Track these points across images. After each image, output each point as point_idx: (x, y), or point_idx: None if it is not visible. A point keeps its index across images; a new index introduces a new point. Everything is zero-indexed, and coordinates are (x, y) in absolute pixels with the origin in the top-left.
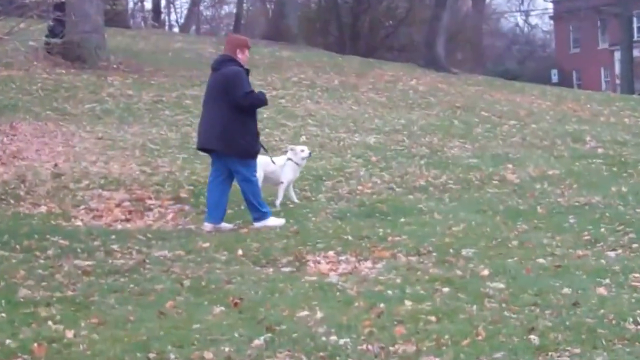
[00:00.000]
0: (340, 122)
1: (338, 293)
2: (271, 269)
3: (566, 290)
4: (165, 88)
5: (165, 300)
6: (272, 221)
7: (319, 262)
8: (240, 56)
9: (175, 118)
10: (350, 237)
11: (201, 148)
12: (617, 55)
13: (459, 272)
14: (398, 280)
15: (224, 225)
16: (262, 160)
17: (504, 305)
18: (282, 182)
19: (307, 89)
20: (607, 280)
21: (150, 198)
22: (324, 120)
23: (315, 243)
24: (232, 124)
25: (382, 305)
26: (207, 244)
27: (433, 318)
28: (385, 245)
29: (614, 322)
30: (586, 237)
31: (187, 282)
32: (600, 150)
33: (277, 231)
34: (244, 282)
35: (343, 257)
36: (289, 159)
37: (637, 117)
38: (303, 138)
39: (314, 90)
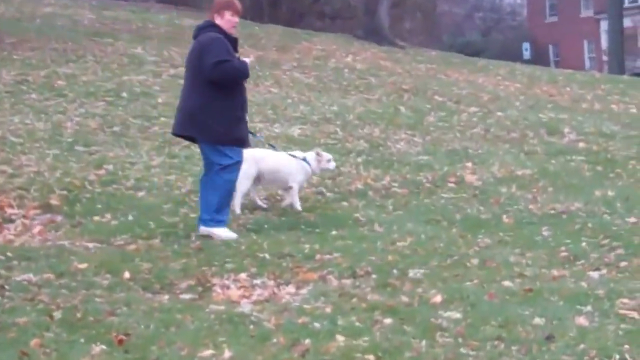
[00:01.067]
0: (256, 109)
1: (252, 326)
2: (167, 296)
3: (538, 320)
4: (31, 65)
5: (30, 336)
6: (223, 232)
7: (227, 287)
8: (219, 21)
9: (45, 104)
10: (267, 255)
11: (175, 134)
12: (604, 25)
13: (404, 299)
14: (328, 310)
15: (219, 232)
16: (257, 154)
17: (460, 339)
18: (290, 187)
19: None
20: (589, 308)
21: (10, 206)
22: None
23: (224, 263)
24: (207, 104)
25: (307, 341)
26: (84, 265)
27: (371, 357)
28: (312, 265)
29: (596, 359)
30: (563, 254)
31: (57, 314)
32: (581, 145)
33: (175, 248)
34: (132, 313)
35: (258, 281)
36: (305, 160)
37: (627, 103)
38: None
39: None
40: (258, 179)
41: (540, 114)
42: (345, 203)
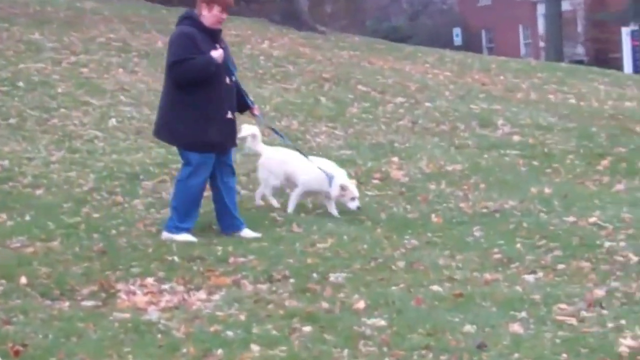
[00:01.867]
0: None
1: (159, 335)
2: (67, 304)
3: (469, 327)
4: None
5: None
6: (182, 237)
7: (133, 293)
8: (204, 13)
9: None
10: (177, 258)
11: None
12: (541, 9)
13: (325, 305)
14: (242, 317)
15: (246, 232)
16: (284, 156)
17: (385, 349)
18: (297, 187)
19: (118, 53)
20: (524, 314)
21: None
22: (141, 97)
23: (129, 267)
24: (173, 104)
25: (219, 351)
26: None
27: None
28: (225, 268)
29: None
30: (496, 256)
31: None
32: (516, 138)
33: (76, 251)
34: (29, 321)
35: (167, 286)
36: (330, 179)
37: (565, 93)
38: (113, 121)
39: (128, 56)
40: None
41: (471, 104)
42: (261, 202)
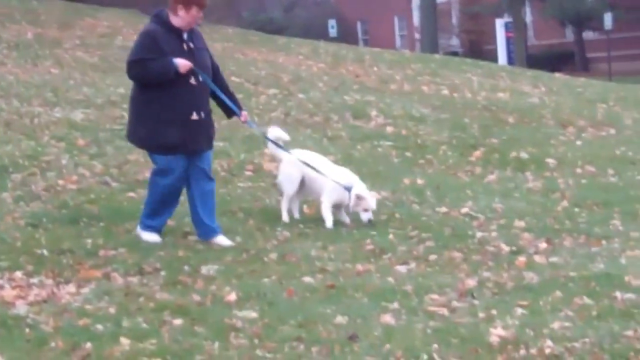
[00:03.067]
0: (35, 92)
1: (28, 330)
2: None
3: (340, 319)
4: None
5: None
6: (147, 236)
7: (1, 287)
8: (181, 13)
9: None
10: (46, 252)
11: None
12: (416, 1)
13: (196, 298)
14: (112, 310)
15: (220, 239)
16: (302, 158)
17: (256, 340)
18: (322, 201)
19: None
20: (396, 305)
21: None
22: (10, 89)
23: None
24: (135, 104)
25: (88, 345)
26: None
27: None
28: (95, 261)
29: None
30: (369, 247)
31: None
32: (389, 129)
33: None
34: None
35: (35, 280)
36: (347, 189)
37: (439, 84)
38: None
39: None
40: (303, 183)
41: (345, 95)
42: (132, 194)
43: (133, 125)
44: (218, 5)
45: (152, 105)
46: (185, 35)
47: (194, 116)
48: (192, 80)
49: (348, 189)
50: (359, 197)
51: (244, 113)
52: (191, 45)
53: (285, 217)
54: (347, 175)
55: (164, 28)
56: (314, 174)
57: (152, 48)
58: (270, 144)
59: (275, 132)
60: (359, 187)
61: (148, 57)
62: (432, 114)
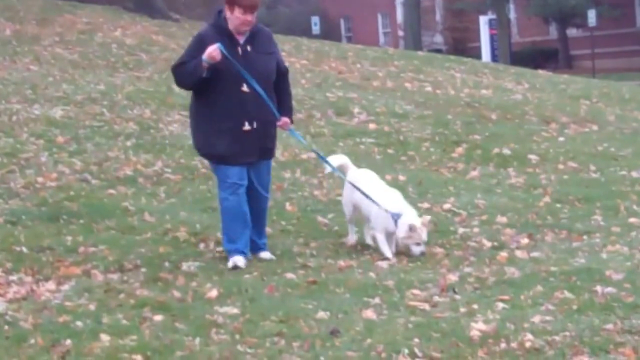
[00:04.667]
0: (13, 89)
1: (7, 326)
2: None
3: (322, 314)
4: None
5: None
6: (231, 262)
7: None
8: (228, 14)
9: None
10: (25, 249)
11: None
12: None
13: (177, 294)
14: (92, 307)
15: (264, 255)
16: (353, 178)
17: (237, 336)
18: (373, 230)
19: None
20: (377, 300)
21: None
22: None
23: None
24: (191, 113)
25: (68, 341)
26: None
27: (139, 357)
28: (75, 259)
29: (384, 355)
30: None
31: None
32: (372, 126)
33: None
34: None
35: (15, 277)
36: (395, 217)
37: (422, 81)
38: None
39: None
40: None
41: (328, 92)
42: (112, 191)
43: (192, 134)
44: (198, 2)
45: (203, 113)
46: (241, 39)
47: (246, 126)
48: (245, 88)
49: (396, 218)
50: (412, 229)
51: (285, 119)
52: (248, 48)
53: (351, 240)
54: (396, 201)
55: (217, 30)
56: (362, 198)
57: (198, 51)
58: (326, 166)
59: (339, 159)
60: (410, 215)
61: (187, 60)
62: (415, 110)
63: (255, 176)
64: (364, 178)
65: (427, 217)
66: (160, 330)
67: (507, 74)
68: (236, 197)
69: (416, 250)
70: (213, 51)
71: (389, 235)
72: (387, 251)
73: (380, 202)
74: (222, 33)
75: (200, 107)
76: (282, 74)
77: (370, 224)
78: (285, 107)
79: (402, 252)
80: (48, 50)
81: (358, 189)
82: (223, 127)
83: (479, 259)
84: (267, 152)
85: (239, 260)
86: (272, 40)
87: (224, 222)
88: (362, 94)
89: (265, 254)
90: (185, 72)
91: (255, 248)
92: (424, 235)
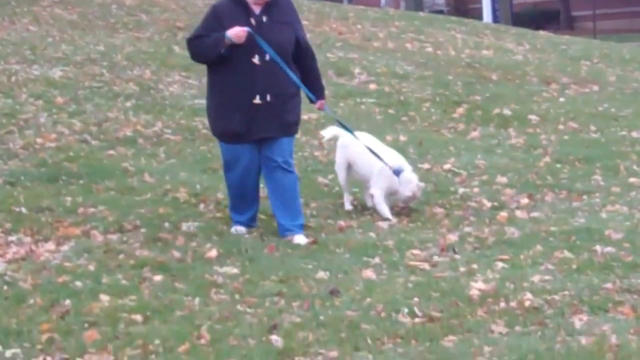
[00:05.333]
0: (12, 49)
1: (6, 287)
2: None
3: (322, 274)
4: None
5: None
6: (234, 229)
7: None
8: None
9: None
10: (24, 210)
11: None
12: None
13: (176, 254)
14: (91, 267)
15: (298, 238)
16: (346, 140)
17: (237, 296)
18: (371, 193)
19: None
20: (377, 260)
21: None
22: None
23: None
24: (207, 88)
25: (67, 301)
26: None
27: (139, 317)
28: (74, 219)
29: (383, 314)
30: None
31: None
32: (372, 87)
33: None
34: None
35: (14, 237)
36: (396, 172)
37: (422, 42)
38: None
39: None
40: (350, 168)
41: (328, 53)
42: (112, 152)
43: (206, 111)
44: None
45: (214, 89)
46: (258, 9)
47: (257, 100)
48: (256, 60)
49: (397, 172)
50: (419, 188)
51: (321, 102)
52: (263, 19)
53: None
54: (397, 157)
55: (232, 1)
56: (357, 154)
57: (213, 24)
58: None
59: (331, 131)
60: (410, 173)
61: (204, 33)
62: (416, 71)
63: (278, 154)
64: (362, 138)
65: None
66: (160, 290)
67: (508, 34)
68: (246, 180)
69: (403, 204)
70: (241, 33)
71: (388, 194)
72: (387, 212)
73: (385, 159)
74: (237, 3)
75: (212, 81)
76: (302, 48)
77: (372, 182)
78: (317, 88)
79: (402, 212)
80: (47, 11)
81: (368, 148)
82: (233, 102)
83: (478, 219)
84: (289, 128)
85: (241, 230)
86: (292, 11)
87: (231, 198)
88: (362, 55)
89: (299, 238)
90: (202, 46)
91: (286, 231)
92: (418, 193)
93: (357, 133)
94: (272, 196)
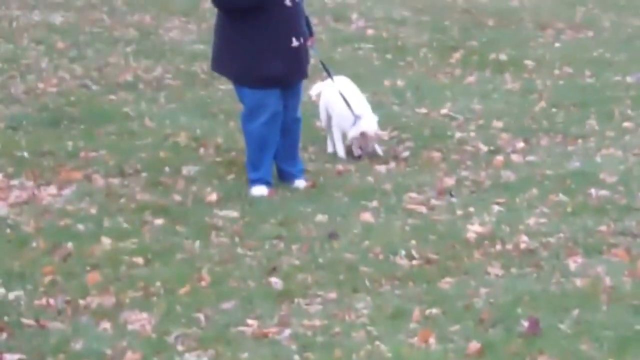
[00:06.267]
0: None
1: (9, 230)
2: None
3: (321, 217)
4: None
5: None
6: (254, 190)
7: None
8: None
9: None
10: (26, 154)
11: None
12: None
13: (177, 198)
14: (93, 211)
15: (298, 183)
16: (324, 86)
17: (237, 239)
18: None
19: None
20: (375, 203)
21: None
22: None
23: None
24: (225, 35)
25: (69, 244)
26: None
27: (140, 260)
28: (76, 163)
29: (381, 257)
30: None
31: None
32: (370, 32)
33: None
34: None
35: (16, 181)
36: (357, 118)
37: None
38: None
39: None
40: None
41: None
42: (112, 96)
43: (222, 58)
44: None
45: (246, 35)
46: None
47: (294, 42)
48: (287, 2)
49: (357, 119)
50: (362, 135)
51: (312, 39)
52: None
53: (330, 149)
54: (361, 105)
55: None
56: (328, 99)
57: None
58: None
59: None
60: (369, 122)
61: None
62: (413, 16)
63: (294, 97)
64: (339, 83)
65: (383, 132)
66: (161, 233)
67: None
68: (272, 127)
69: (356, 151)
70: None
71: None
72: (342, 151)
73: (348, 102)
74: None
75: (240, 27)
76: None
77: (332, 121)
78: (308, 25)
79: (400, 157)
80: None
81: (340, 94)
82: (273, 46)
83: (475, 162)
84: (307, 70)
85: (261, 189)
86: None
87: (251, 151)
88: (360, 0)
89: (300, 182)
90: None
91: (288, 177)
92: (370, 146)
93: (336, 78)
94: (280, 140)
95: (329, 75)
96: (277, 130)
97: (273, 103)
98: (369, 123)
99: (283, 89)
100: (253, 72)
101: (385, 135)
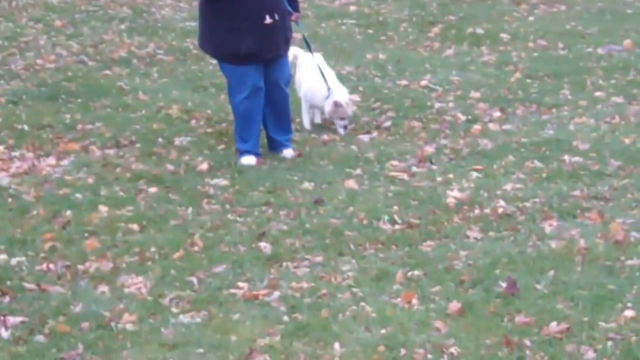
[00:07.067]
0: None
1: (10, 199)
2: None
3: (307, 184)
4: None
5: None
6: (244, 160)
7: None
8: None
9: None
10: (26, 127)
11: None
12: None
13: (170, 167)
14: (90, 180)
15: (286, 152)
16: (298, 58)
17: (227, 206)
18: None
19: None
20: (359, 171)
21: None
22: None
23: None
24: (205, 16)
25: (68, 212)
26: None
27: (135, 226)
28: (73, 135)
29: (365, 222)
30: None
31: None
32: (352, 8)
33: None
34: None
35: (17, 153)
36: (329, 92)
37: None
38: None
39: None
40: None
41: None
42: (108, 71)
43: (205, 36)
44: None
45: (221, 14)
46: None
47: (267, 20)
48: None
49: (330, 93)
50: (336, 104)
51: (297, 14)
52: None
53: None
54: (330, 79)
55: None
56: (300, 73)
57: None
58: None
59: (293, 50)
60: (340, 93)
61: None
62: None
63: (277, 71)
64: (309, 59)
65: (354, 96)
66: (155, 201)
67: None
68: (254, 101)
69: (340, 124)
70: None
71: (314, 108)
72: (307, 122)
73: (316, 78)
74: None
75: (217, 8)
76: None
77: (300, 93)
78: (294, 1)
79: (382, 126)
80: None
81: (318, 68)
82: (245, 24)
83: (454, 131)
84: (287, 45)
85: (250, 159)
86: None
87: (237, 124)
88: None
89: (288, 152)
90: None
91: (278, 146)
92: (348, 111)
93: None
94: (268, 113)
95: (309, 49)
96: (259, 103)
97: (252, 78)
98: (340, 93)
99: (265, 65)
100: (228, 49)
101: (356, 97)
